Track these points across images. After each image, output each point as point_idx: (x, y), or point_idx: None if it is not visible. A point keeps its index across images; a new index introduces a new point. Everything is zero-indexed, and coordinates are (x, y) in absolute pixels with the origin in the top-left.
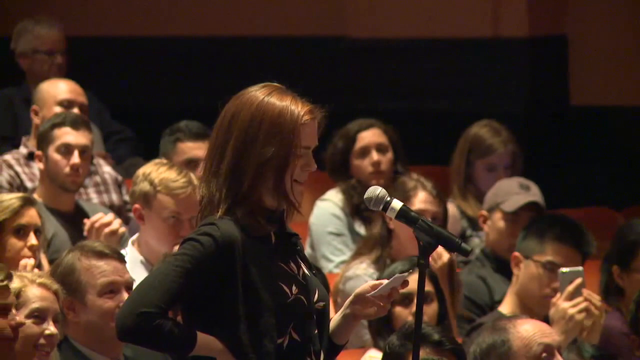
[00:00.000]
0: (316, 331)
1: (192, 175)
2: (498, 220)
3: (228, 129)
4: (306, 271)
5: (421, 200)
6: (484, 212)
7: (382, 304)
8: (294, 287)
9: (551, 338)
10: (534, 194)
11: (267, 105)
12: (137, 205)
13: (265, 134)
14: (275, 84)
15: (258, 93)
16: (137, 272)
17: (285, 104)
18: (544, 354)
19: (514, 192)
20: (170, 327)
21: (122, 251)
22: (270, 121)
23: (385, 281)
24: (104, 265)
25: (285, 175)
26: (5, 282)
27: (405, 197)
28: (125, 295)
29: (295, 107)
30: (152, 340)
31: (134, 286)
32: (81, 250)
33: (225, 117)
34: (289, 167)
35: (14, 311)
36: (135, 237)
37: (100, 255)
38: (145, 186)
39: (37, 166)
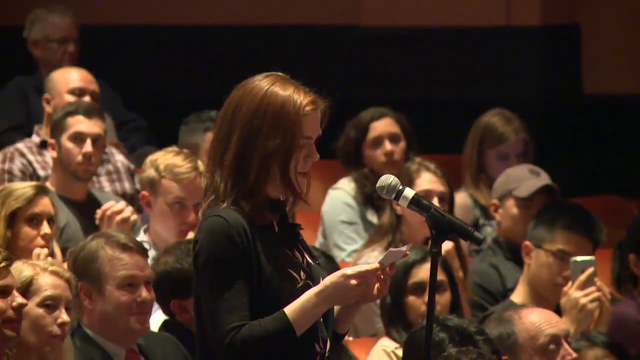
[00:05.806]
0: (321, 319)
1: (200, 162)
2: (511, 207)
3: (232, 119)
4: (309, 260)
5: (426, 180)
6: (495, 201)
7: (382, 276)
8: (301, 273)
9: (558, 328)
10: (546, 178)
11: (271, 95)
12: (144, 192)
13: (268, 125)
14: (279, 73)
15: (261, 83)
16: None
17: (288, 93)
18: (551, 345)
19: (526, 178)
20: (259, 324)
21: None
22: (274, 112)
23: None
24: (126, 258)
25: (289, 166)
26: (3, 264)
27: (410, 180)
28: (144, 290)
29: (298, 97)
30: (256, 346)
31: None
32: (106, 240)
33: (229, 108)
34: (292, 158)
35: (15, 293)
36: (146, 225)
37: (124, 247)
38: (151, 172)
39: (49, 155)
